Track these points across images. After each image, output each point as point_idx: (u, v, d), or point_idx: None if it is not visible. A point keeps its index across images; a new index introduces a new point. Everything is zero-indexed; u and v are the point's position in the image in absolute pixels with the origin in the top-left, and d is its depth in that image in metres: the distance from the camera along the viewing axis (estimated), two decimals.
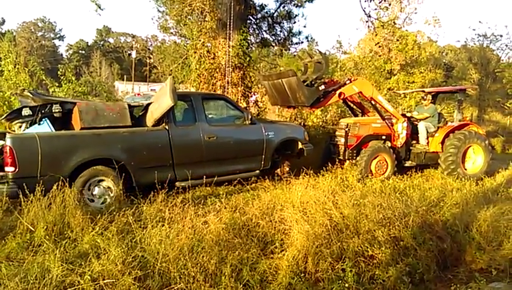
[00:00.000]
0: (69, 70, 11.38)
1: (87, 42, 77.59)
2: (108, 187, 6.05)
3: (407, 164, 9.19)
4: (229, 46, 11.27)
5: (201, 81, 11.63)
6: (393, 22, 19.12)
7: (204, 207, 5.41)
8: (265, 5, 14.76)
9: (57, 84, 11.16)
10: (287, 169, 8.26)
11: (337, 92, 8.38)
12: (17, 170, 5.32)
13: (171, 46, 21.06)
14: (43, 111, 6.27)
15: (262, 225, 4.66)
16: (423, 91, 10.38)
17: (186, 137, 6.93)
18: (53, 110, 6.31)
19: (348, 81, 8.71)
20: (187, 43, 14.86)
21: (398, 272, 3.96)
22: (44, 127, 6.15)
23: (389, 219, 4.69)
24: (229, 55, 11.24)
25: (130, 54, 64.81)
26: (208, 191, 6.83)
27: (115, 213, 4.78)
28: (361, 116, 9.89)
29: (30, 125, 6.31)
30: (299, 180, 6.77)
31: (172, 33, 18.91)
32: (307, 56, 9.74)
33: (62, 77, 11.10)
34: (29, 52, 62.88)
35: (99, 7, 11.82)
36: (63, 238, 4.33)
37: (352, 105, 10.01)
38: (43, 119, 6.24)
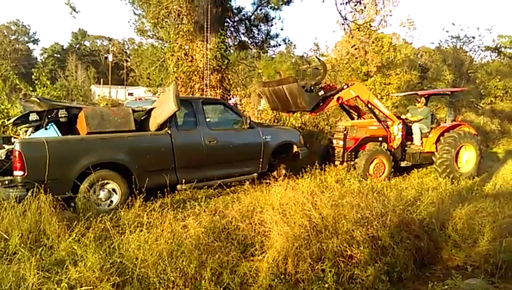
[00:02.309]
0: (44, 74, 11.17)
1: (63, 45, 76.52)
2: (114, 190, 6.19)
3: (403, 164, 9.49)
4: (206, 49, 11.23)
5: (179, 84, 11.55)
6: (369, 25, 19.44)
7: (183, 211, 5.40)
8: (242, 7, 14.77)
9: (31, 89, 10.92)
10: (284, 172, 8.43)
11: (335, 96, 8.66)
12: (25, 174, 5.41)
13: (148, 49, 20.84)
14: (49, 116, 6.34)
15: (242, 228, 4.65)
16: (417, 94, 10.70)
17: (188, 141, 7.08)
18: (59, 116, 6.39)
19: (346, 86, 8.97)
20: (164, 46, 14.74)
21: (376, 271, 4.01)
22: (51, 132, 6.25)
23: (367, 219, 4.74)
24: (206, 57, 11.20)
25: (106, 58, 64.03)
26: (188, 195, 6.81)
27: (92, 219, 4.71)
28: (358, 119, 10.15)
29: (35, 130, 6.39)
30: (278, 182, 6.79)
31: (149, 36, 18.71)
32: (305, 63, 9.97)
33: (36, 81, 10.87)
34: (2, 56, 61.48)
35: (74, 10, 11.67)
36: (39, 245, 4.24)
37: (348, 109, 10.26)
38: (49, 124, 6.33)
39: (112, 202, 6.15)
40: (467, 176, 9.21)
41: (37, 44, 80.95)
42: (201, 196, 6.44)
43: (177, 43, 11.91)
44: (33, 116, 6.28)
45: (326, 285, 3.77)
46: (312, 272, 3.96)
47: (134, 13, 17.25)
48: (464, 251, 4.74)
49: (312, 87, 8.34)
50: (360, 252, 4.25)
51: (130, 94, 50.74)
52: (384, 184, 7.42)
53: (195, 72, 11.46)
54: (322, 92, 8.45)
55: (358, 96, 9.00)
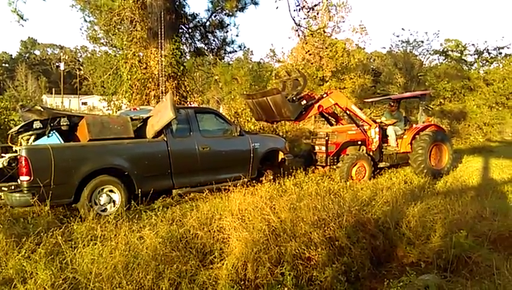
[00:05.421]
0: None
1: (11, 55, 73.48)
2: (114, 195, 6.45)
3: (382, 165, 9.98)
4: (161, 56, 11.10)
5: (133, 92, 11.34)
6: (323, 31, 19.86)
7: (139, 222, 5.26)
8: (197, 14, 14.62)
9: None
10: (271, 177, 8.63)
11: (316, 105, 9.10)
12: (31, 179, 5.60)
13: (102, 57, 20.35)
14: (52, 124, 6.57)
15: (200, 236, 4.60)
16: (390, 98, 11.34)
17: (183, 147, 7.41)
18: (61, 123, 6.62)
19: (325, 95, 9.43)
20: (118, 53, 14.42)
21: (334, 272, 4.05)
22: (53, 139, 6.46)
23: (324, 220, 4.80)
24: (161, 64, 11.07)
25: (58, 66, 62.02)
26: (144, 205, 6.66)
27: (42, 234, 4.51)
28: (336, 124, 10.56)
29: (36, 138, 6.56)
30: (237, 188, 6.77)
31: (102, 43, 18.31)
32: (285, 74, 10.63)
33: None
34: None
35: (22, 17, 11.26)
36: None
37: (327, 115, 10.63)
38: (51, 132, 6.54)
39: (112, 206, 6.38)
40: (441, 171, 9.87)
41: None
42: (158, 205, 6.32)
43: (131, 50, 11.70)
44: (37, 124, 6.50)
45: (286, 288, 3.77)
46: (271, 277, 3.95)
47: (85, 20, 16.82)
48: (418, 247, 4.86)
49: (294, 98, 8.79)
50: (318, 254, 4.29)
51: (84, 103, 49.40)
52: (340, 186, 7.56)
53: (150, 79, 11.31)
54: (304, 102, 8.88)
55: (337, 103, 9.44)
